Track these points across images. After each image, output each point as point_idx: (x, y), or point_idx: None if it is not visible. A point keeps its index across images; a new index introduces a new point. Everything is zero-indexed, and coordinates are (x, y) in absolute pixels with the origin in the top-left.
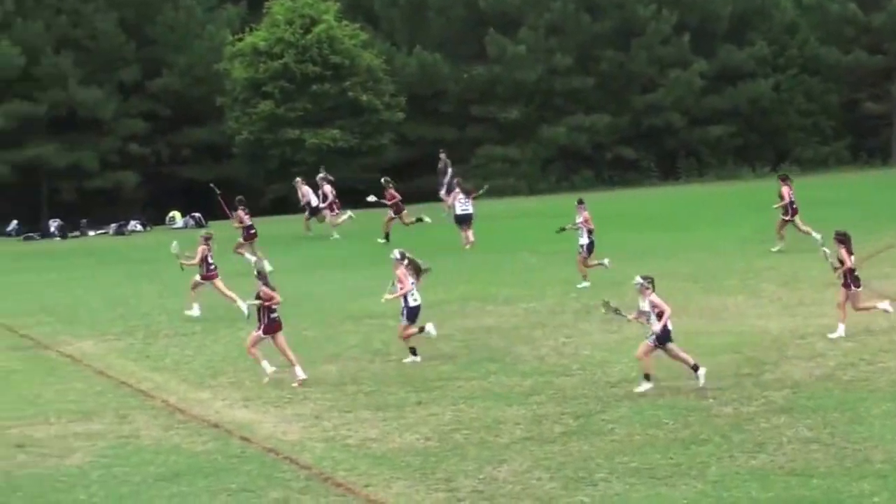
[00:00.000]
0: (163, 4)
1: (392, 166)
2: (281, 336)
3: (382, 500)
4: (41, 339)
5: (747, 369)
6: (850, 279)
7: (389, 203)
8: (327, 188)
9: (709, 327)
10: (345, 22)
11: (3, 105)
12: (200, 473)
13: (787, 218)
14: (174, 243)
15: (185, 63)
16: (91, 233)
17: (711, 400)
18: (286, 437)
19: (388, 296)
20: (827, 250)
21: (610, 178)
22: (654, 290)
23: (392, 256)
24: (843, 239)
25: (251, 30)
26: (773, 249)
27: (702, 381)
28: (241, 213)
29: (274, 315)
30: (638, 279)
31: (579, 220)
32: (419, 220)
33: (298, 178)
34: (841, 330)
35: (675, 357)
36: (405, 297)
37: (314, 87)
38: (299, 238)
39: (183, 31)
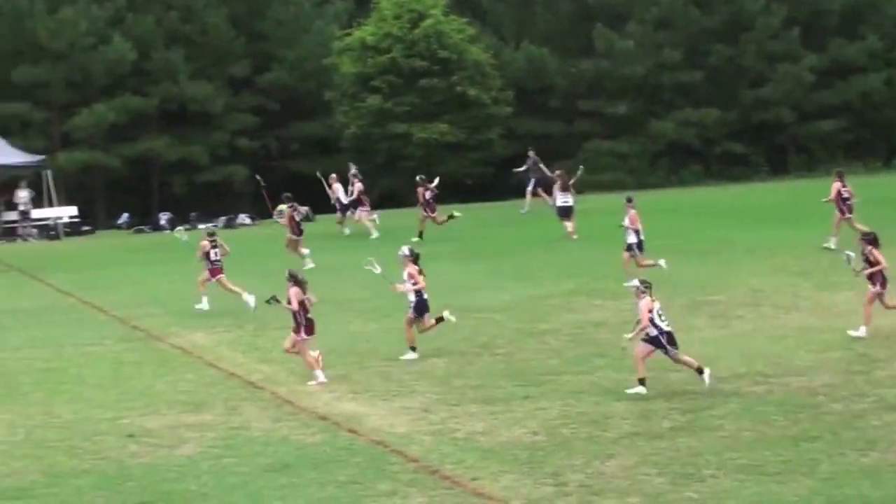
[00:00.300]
0: (272, 0)
1: (500, 160)
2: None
3: (489, 494)
4: (152, 331)
5: (858, 366)
6: (881, 279)
7: (421, 202)
8: (358, 185)
9: (819, 324)
10: (452, 16)
11: (115, 99)
12: (309, 465)
13: (845, 216)
14: (180, 229)
15: (295, 58)
16: (200, 226)
17: (822, 397)
18: (394, 429)
19: (399, 286)
20: (851, 254)
21: (718, 173)
22: (649, 296)
23: (401, 254)
24: (872, 240)
25: (359, 25)
26: (826, 245)
27: (707, 382)
28: (288, 210)
29: (310, 315)
30: (635, 282)
31: (626, 219)
32: (451, 216)
33: (333, 175)
34: (863, 331)
35: (678, 361)
36: (421, 292)
37: (422, 81)
38: (408, 233)
39: (292, 26)
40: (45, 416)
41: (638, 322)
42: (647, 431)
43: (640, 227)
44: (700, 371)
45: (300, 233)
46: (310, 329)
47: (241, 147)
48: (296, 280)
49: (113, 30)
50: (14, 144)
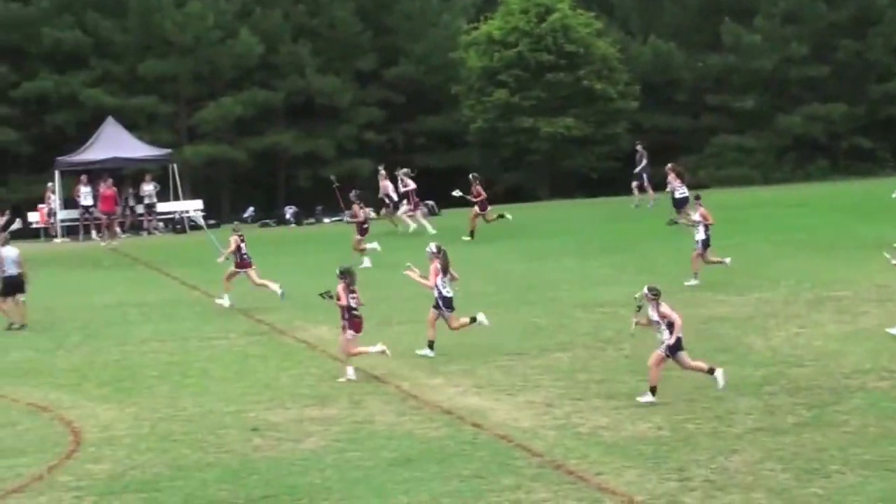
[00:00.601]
0: None
1: (626, 155)
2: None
3: (613, 489)
4: (276, 325)
5: None
6: None
7: (475, 199)
8: (410, 184)
9: None
10: (579, 11)
11: (243, 93)
12: (433, 459)
13: None
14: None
15: (421, 52)
16: (326, 220)
17: None
18: (518, 424)
19: (413, 275)
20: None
21: (845, 168)
22: (661, 301)
23: (428, 250)
24: None
25: (486, 19)
26: None
27: (721, 382)
28: (356, 207)
29: (356, 312)
30: (644, 291)
31: (695, 216)
32: (501, 216)
33: (382, 171)
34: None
35: (687, 367)
36: (438, 287)
37: (548, 75)
38: (530, 227)
39: (419, 20)
40: (170, 410)
41: (669, 326)
42: (771, 427)
43: (711, 222)
44: (711, 371)
45: (363, 232)
46: (355, 326)
47: (367, 141)
48: (345, 276)
49: (240, 23)
50: (141, 138)
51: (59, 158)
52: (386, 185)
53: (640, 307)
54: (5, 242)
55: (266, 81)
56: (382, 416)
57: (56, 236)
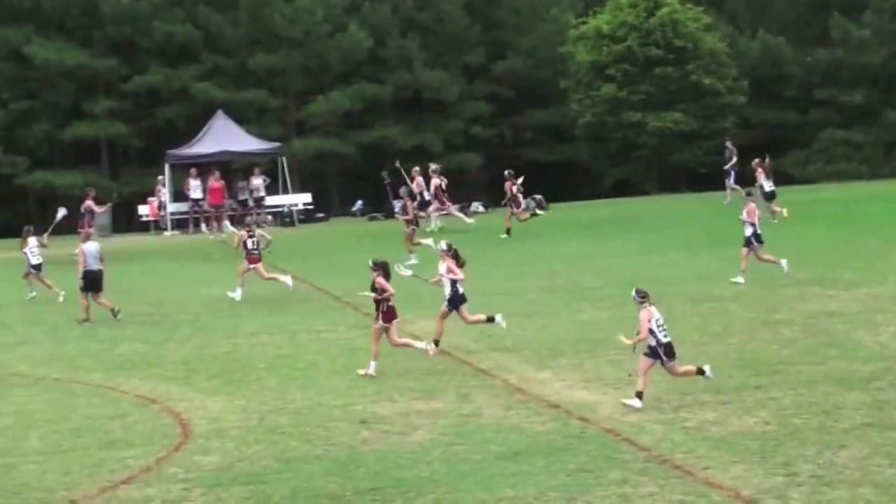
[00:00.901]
0: None
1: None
2: (393, 325)
3: (720, 484)
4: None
5: None
6: None
7: (508, 197)
8: (435, 181)
9: None
10: (688, 5)
11: (351, 87)
12: (540, 453)
13: None
14: (227, 224)
15: (529, 46)
16: (433, 213)
17: None
18: (625, 418)
19: (437, 276)
20: None
21: None
22: (648, 306)
23: (439, 248)
24: None
25: (595, 13)
26: None
27: (711, 375)
28: (408, 204)
29: (391, 304)
30: (633, 294)
31: (744, 213)
32: (534, 215)
33: (416, 168)
34: None
35: (676, 374)
36: (454, 284)
37: (657, 70)
38: (638, 221)
39: (528, 14)
40: (278, 402)
41: (638, 332)
42: (879, 422)
43: (756, 220)
44: (701, 372)
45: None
46: (388, 316)
47: (474, 135)
48: (378, 267)
49: (349, 17)
50: (250, 132)
51: (170, 152)
52: (420, 183)
53: None
54: (88, 238)
55: (374, 75)
56: (490, 409)
57: (166, 229)
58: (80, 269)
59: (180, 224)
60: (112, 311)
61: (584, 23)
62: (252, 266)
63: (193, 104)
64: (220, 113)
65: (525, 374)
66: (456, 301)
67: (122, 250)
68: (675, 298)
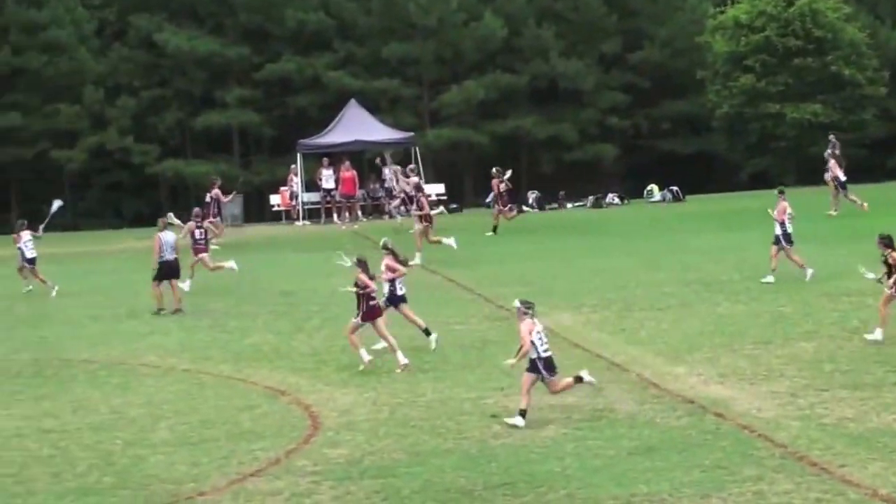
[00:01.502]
0: None
1: (873, 142)
2: (381, 321)
3: (858, 481)
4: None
5: None
6: None
7: (495, 194)
8: (413, 180)
9: None
10: None
11: (485, 76)
12: (674, 448)
13: None
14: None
15: (666, 35)
16: (569, 205)
17: None
18: (761, 414)
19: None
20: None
21: None
22: (531, 317)
23: (382, 245)
24: (889, 243)
25: (733, 3)
26: None
27: (591, 380)
28: (423, 199)
29: (373, 302)
30: (516, 303)
31: (775, 211)
32: (521, 211)
33: (411, 166)
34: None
35: (556, 390)
36: (394, 283)
37: (796, 60)
38: (761, 214)
39: (665, 4)
40: (408, 395)
41: (520, 348)
42: None
43: (786, 219)
44: (579, 379)
45: (429, 221)
46: (368, 315)
47: (610, 125)
48: (360, 263)
49: (484, 6)
50: (383, 121)
51: (302, 141)
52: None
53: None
54: (164, 227)
55: (509, 65)
56: (623, 404)
57: (298, 219)
58: (155, 257)
59: (312, 214)
60: (159, 309)
61: (722, 12)
62: (197, 256)
63: (326, 93)
64: (353, 102)
65: (659, 368)
66: (394, 300)
67: (254, 240)
68: (812, 292)
